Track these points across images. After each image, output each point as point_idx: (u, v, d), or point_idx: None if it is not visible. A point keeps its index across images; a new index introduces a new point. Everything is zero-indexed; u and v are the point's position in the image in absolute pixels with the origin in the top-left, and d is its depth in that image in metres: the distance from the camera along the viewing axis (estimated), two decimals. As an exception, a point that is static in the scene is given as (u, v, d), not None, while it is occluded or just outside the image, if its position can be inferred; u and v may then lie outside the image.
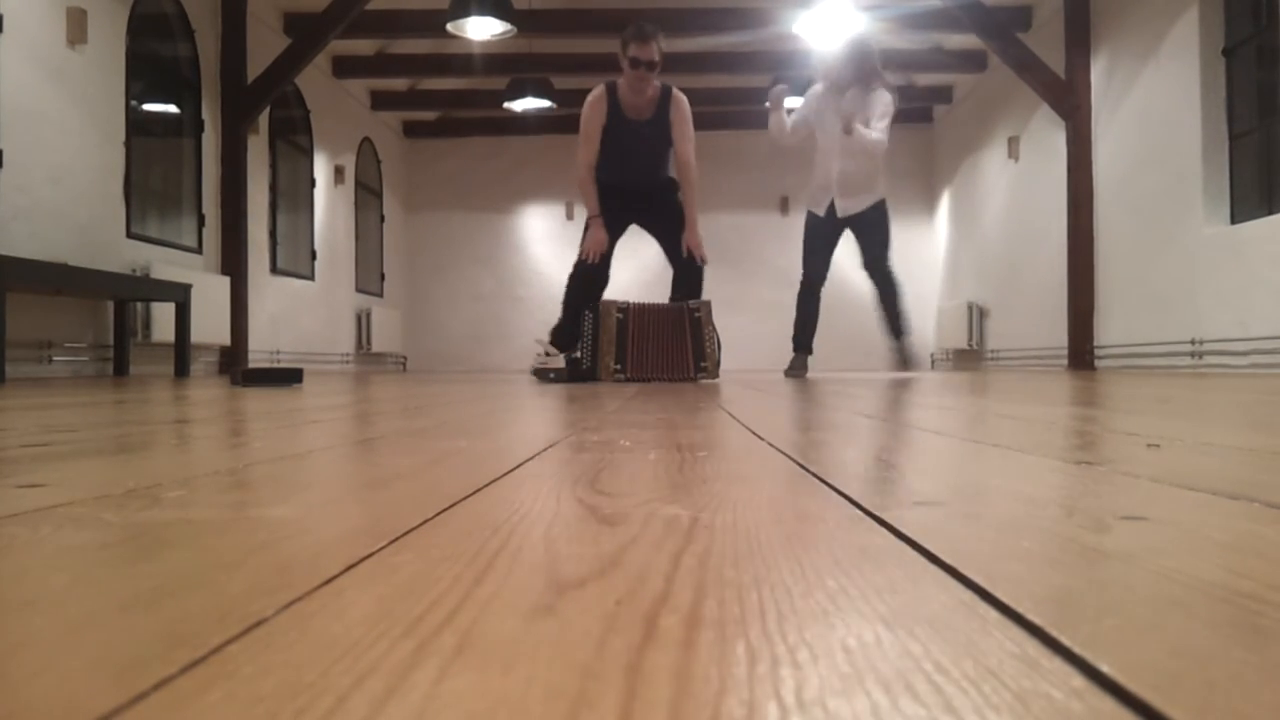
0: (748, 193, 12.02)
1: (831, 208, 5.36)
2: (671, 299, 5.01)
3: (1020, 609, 0.34)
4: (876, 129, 5.13)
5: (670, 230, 5.04)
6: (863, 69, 5.23)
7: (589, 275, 5.03)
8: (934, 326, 11.67)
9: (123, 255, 6.36)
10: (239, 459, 0.91)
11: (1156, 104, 6.71)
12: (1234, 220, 6.10)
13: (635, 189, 5.02)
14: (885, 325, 5.39)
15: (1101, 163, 7.55)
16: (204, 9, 7.50)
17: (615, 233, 5.08)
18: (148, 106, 6.97)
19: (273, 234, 8.76)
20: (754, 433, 1.21)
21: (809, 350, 5.53)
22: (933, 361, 11.80)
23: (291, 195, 9.29)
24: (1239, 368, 5.84)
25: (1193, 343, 6.30)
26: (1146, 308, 6.87)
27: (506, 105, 8.94)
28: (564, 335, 5.06)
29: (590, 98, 4.95)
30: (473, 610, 0.35)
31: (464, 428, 1.34)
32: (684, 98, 4.98)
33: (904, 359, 5.38)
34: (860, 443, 1.07)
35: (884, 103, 5.17)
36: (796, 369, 5.45)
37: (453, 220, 12.32)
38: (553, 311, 11.35)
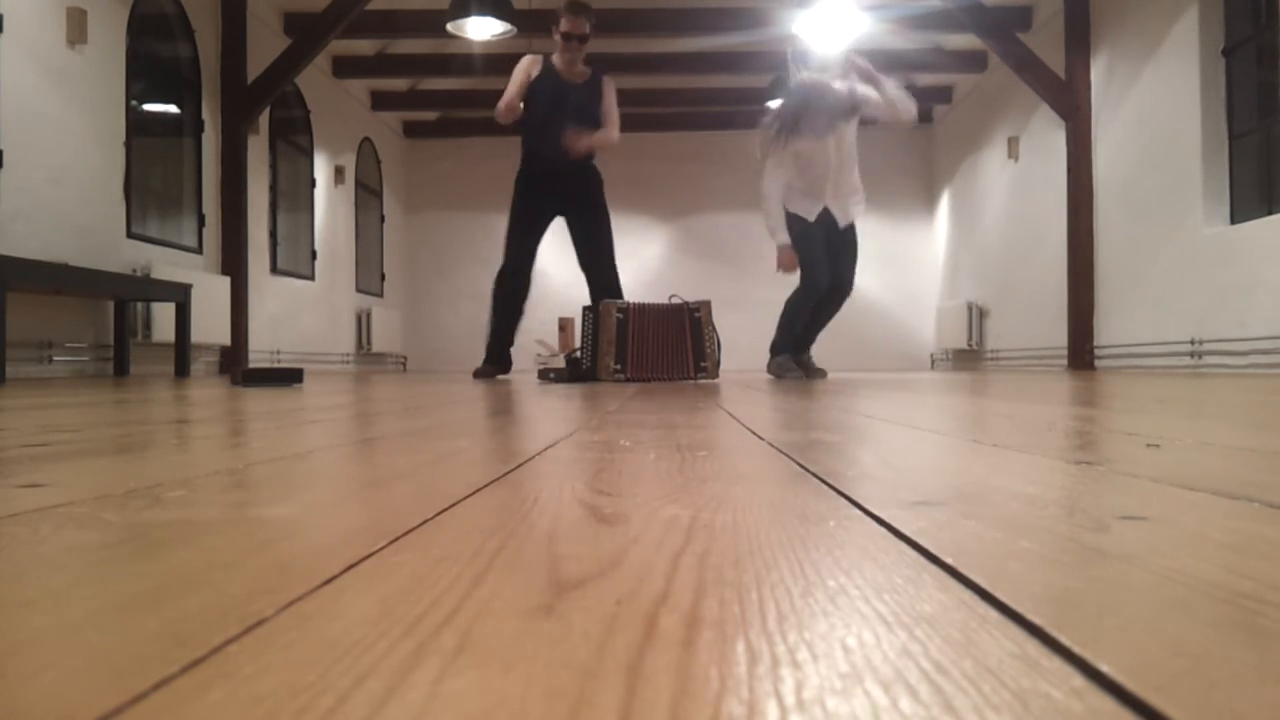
0: (747, 193, 12.00)
1: (828, 214, 5.16)
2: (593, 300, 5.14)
3: (1020, 609, 0.34)
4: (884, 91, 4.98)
5: (589, 231, 5.15)
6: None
7: (513, 285, 5.17)
8: (934, 326, 11.68)
9: (123, 255, 6.36)
10: (239, 459, 0.91)
11: (1156, 104, 6.71)
12: (1234, 220, 6.10)
13: (562, 165, 5.08)
14: (808, 335, 5.23)
15: (1101, 163, 7.54)
16: (204, 9, 7.50)
17: (539, 227, 5.19)
18: (148, 106, 6.97)
19: (273, 234, 8.77)
20: (754, 432, 1.21)
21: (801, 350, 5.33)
22: (933, 361, 11.80)
23: (291, 195, 9.29)
24: (1238, 368, 5.84)
25: (1192, 343, 6.30)
26: (1146, 308, 6.87)
27: (507, 105, 8.94)
28: (496, 346, 5.20)
29: (524, 59, 5.11)
30: (473, 610, 0.35)
31: (464, 428, 1.34)
32: (613, 82, 5.22)
33: (810, 370, 5.25)
34: (860, 442, 1.06)
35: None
36: (793, 369, 5.20)
37: (453, 220, 12.32)
38: (553, 310, 11.37)
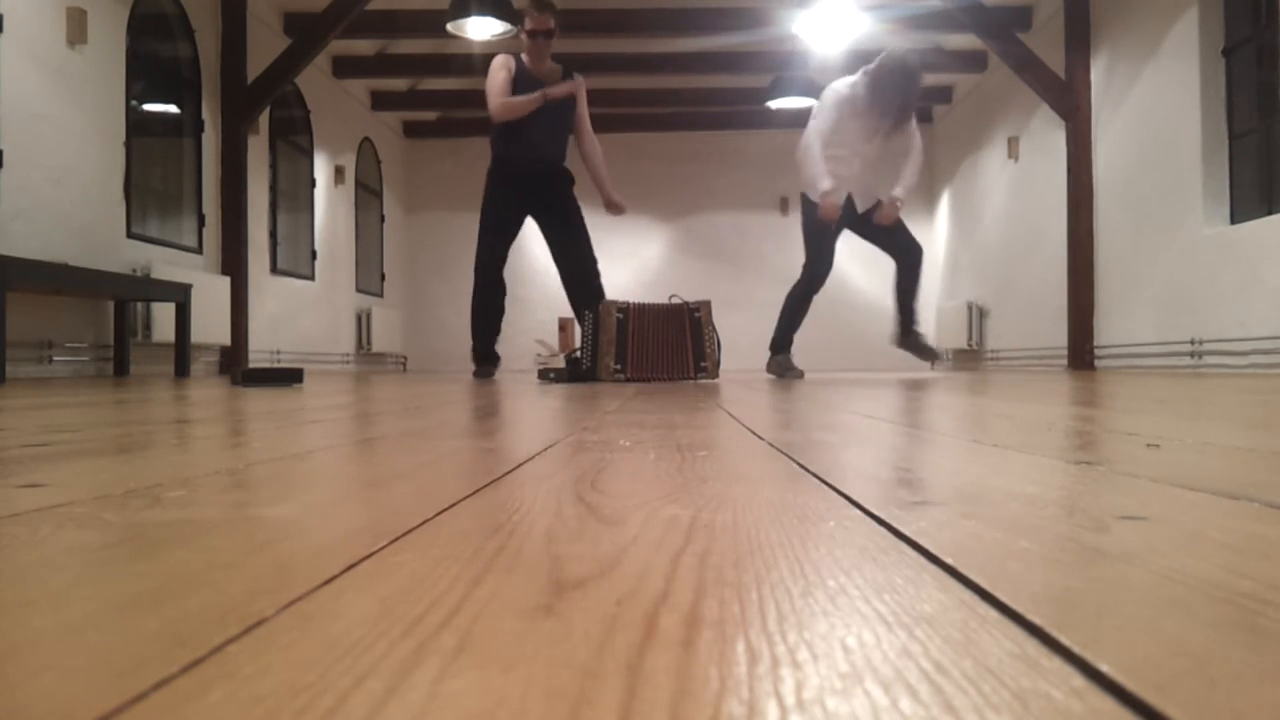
0: (747, 193, 12.03)
1: (850, 202, 5.19)
2: (573, 307, 5.14)
3: (1020, 609, 0.34)
4: (918, 149, 5.14)
5: (566, 233, 5.17)
6: (910, 103, 5.04)
7: (487, 287, 5.20)
8: (934, 326, 11.68)
9: (123, 255, 6.36)
10: (239, 459, 0.91)
11: (1156, 104, 6.71)
12: (1234, 220, 6.10)
13: (535, 168, 5.13)
14: (902, 318, 5.22)
15: (1101, 163, 7.54)
16: (204, 9, 7.49)
17: (511, 228, 5.23)
18: (148, 106, 6.97)
19: (273, 234, 8.76)
20: (754, 432, 1.21)
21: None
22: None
23: (291, 195, 9.29)
24: (1239, 368, 5.84)
25: (1192, 343, 6.30)
26: (1146, 308, 6.87)
27: (506, 105, 8.94)
28: (483, 346, 5.20)
29: (496, 60, 5.13)
30: (473, 610, 0.35)
31: (464, 428, 1.34)
32: (583, 81, 5.26)
33: (925, 350, 5.20)
34: (860, 443, 1.06)
35: (918, 148, 5.15)
36: (793, 369, 5.30)
37: (453, 220, 12.32)
38: (553, 310, 11.37)
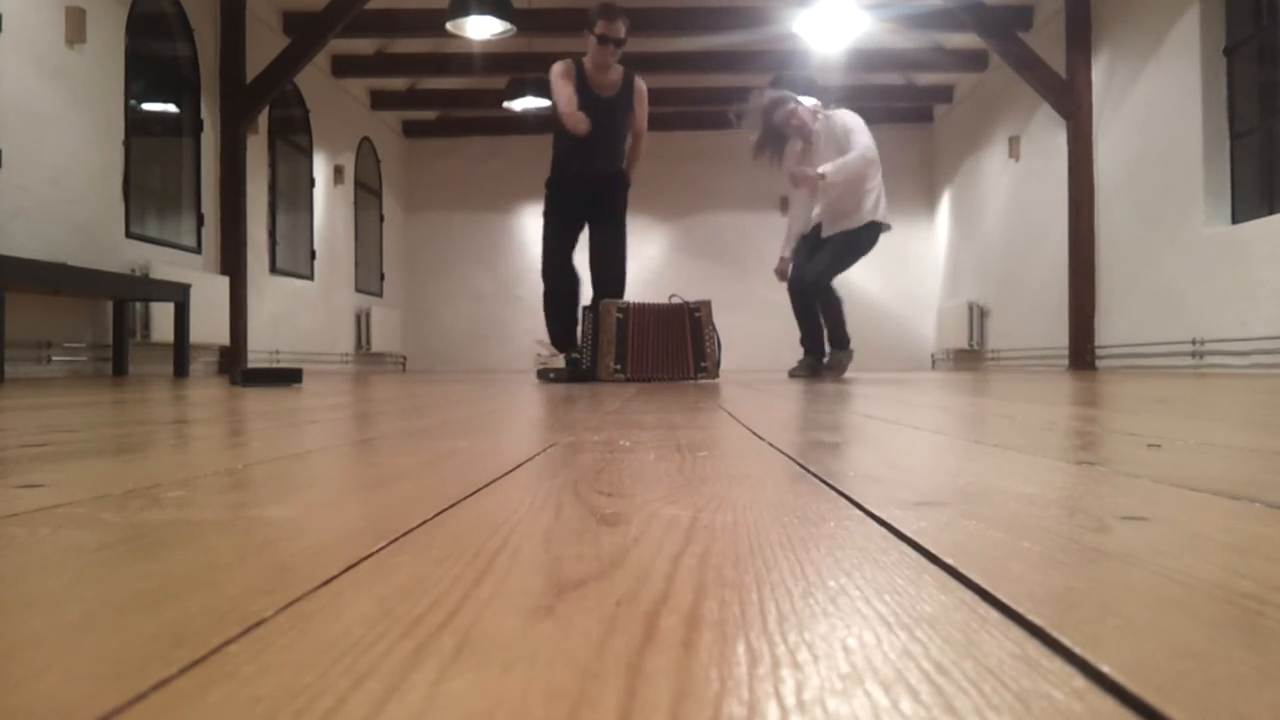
0: (748, 192, 12.02)
1: (817, 228, 5.48)
2: (594, 296, 5.14)
3: (1021, 609, 0.34)
4: (855, 149, 5.26)
5: (606, 226, 5.19)
6: (774, 121, 5.65)
7: (555, 281, 5.16)
8: (934, 326, 11.68)
9: (122, 255, 6.36)
10: (238, 459, 0.91)
11: (1158, 103, 6.71)
12: (1235, 220, 6.10)
13: (591, 177, 5.12)
14: (829, 335, 5.41)
15: (1102, 162, 7.54)
16: (203, 8, 7.49)
17: (573, 227, 5.21)
18: (147, 106, 6.97)
19: (272, 234, 8.76)
20: (754, 433, 1.21)
21: (818, 354, 5.46)
22: (933, 361, 11.80)
23: (291, 195, 9.29)
24: (1240, 368, 5.84)
25: (1193, 343, 6.30)
26: (1147, 308, 6.87)
27: (506, 105, 8.95)
28: (560, 334, 5.15)
29: (558, 67, 5.05)
30: (472, 611, 0.35)
31: (464, 428, 1.34)
32: (644, 85, 5.23)
33: (836, 367, 5.38)
34: (860, 443, 1.06)
35: (845, 124, 5.37)
36: (799, 371, 5.44)
37: (452, 220, 12.32)
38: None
